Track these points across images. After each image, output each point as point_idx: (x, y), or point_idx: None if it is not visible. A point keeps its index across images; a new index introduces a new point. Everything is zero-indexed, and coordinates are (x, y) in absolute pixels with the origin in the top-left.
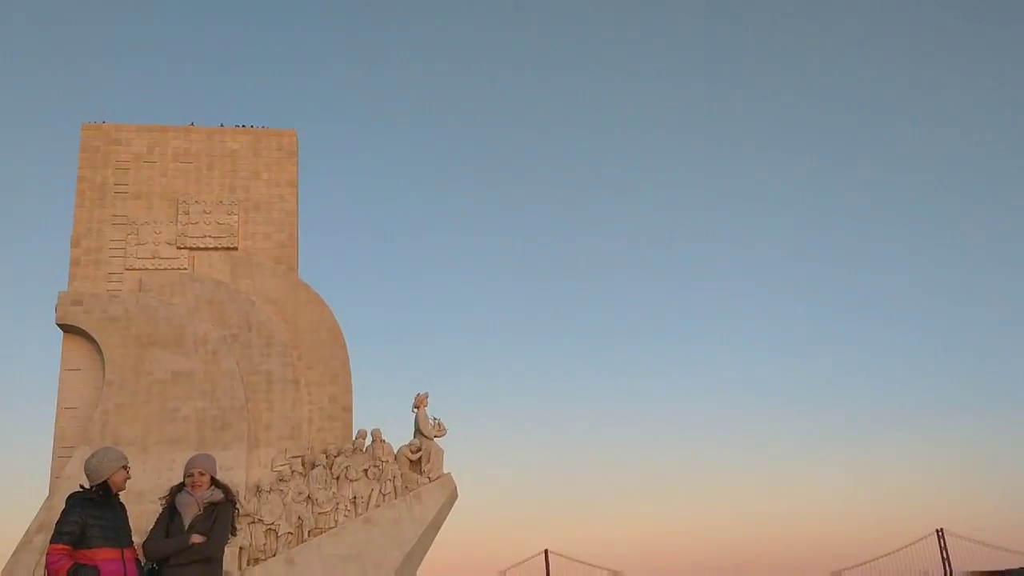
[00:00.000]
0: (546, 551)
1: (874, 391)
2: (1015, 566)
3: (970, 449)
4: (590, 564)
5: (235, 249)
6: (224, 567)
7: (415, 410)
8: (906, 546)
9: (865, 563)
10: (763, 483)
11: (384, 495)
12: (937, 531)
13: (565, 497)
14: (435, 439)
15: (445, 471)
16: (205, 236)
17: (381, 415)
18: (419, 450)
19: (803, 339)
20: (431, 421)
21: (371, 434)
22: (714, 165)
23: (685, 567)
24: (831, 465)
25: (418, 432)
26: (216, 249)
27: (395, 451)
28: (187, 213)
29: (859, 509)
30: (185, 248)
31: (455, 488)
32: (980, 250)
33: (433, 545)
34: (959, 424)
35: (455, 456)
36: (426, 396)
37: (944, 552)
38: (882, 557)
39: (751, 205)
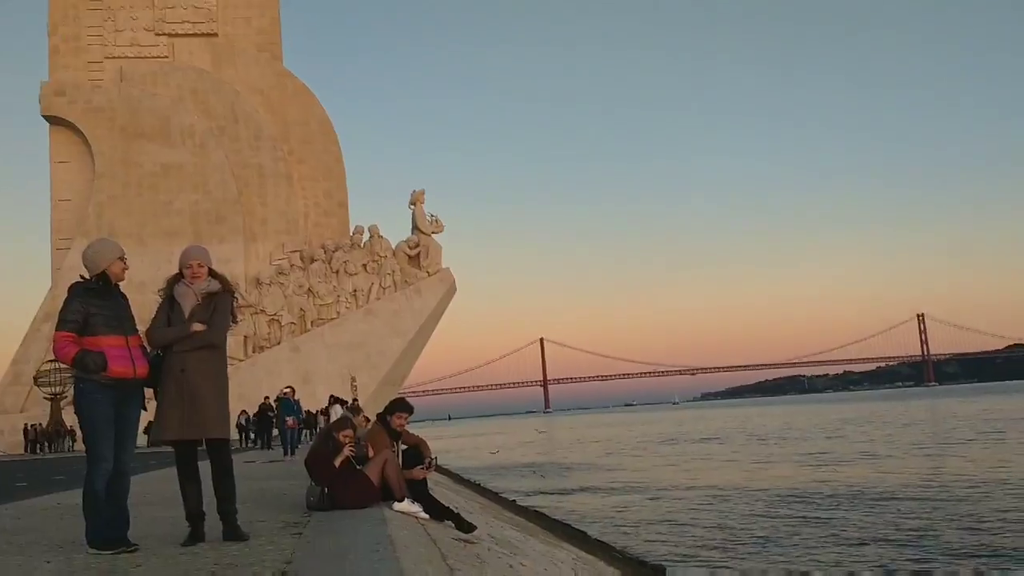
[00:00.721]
0: (541, 339)
1: (857, 178)
2: (996, 348)
3: (954, 235)
4: (583, 350)
5: (215, 35)
6: (228, 353)
7: (412, 206)
8: (886, 330)
9: (845, 345)
10: (749, 272)
11: (384, 288)
12: (918, 316)
13: (560, 289)
14: (433, 235)
15: (443, 265)
16: (183, 21)
17: (377, 211)
18: (417, 245)
19: (785, 128)
20: (428, 217)
21: (368, 230)
22: None
23: (676, 352)
24: (815, 252)
25: (416, 228)
26: (196, 35)
27: (393, 246)
28: None
29: (842, 294)
30: (164, 35)
31: (453, 282)
32: (967, 46)
33: (434, 334)
34: (943, 210)
35: (453, 251)
36: (423, 192)
37: (923, 336)
38: (863, 340)
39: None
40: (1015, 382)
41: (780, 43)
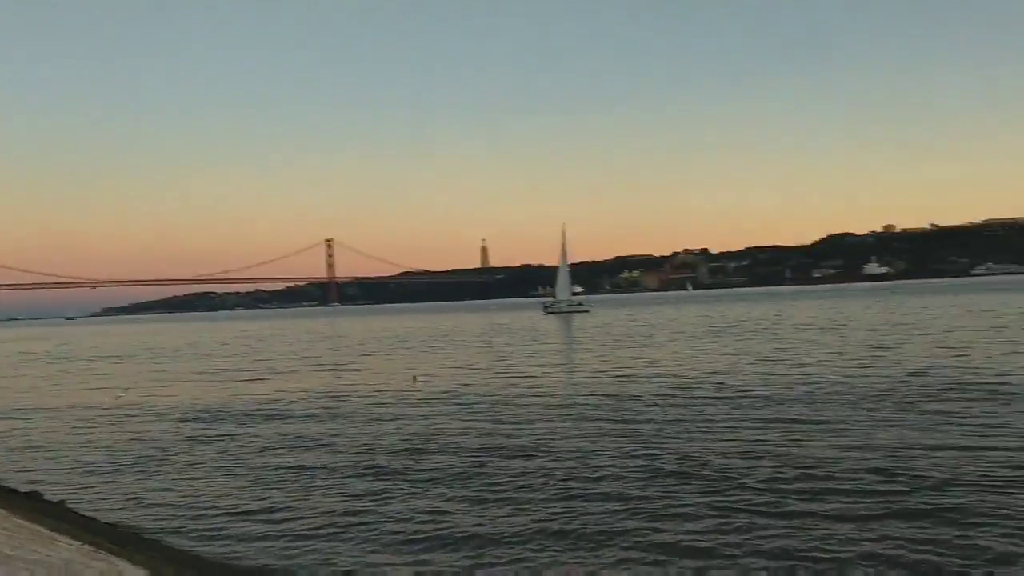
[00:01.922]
0: None
1: (303, 105)
2: (390, 274)
3: (363, 166)
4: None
5: None
6: None
7: None
8: (295, 253)
9: (253, 266)
10: (155, 181)
11: None
12: (326, 241)
13: None
14: None
15: None
16: None
17: None
18: None
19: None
20: None
21: None
22: None
23: (73, 263)
24: (227, 168)
25: None
26: None
27: None
28: None
29: (253, 214)
30: None
31: None
32: None
33: None
34: (356, 142)
35: None
36: None
37: (331, 260)
38: (274, 260)
39: None
40: (403, 304)
41: None
